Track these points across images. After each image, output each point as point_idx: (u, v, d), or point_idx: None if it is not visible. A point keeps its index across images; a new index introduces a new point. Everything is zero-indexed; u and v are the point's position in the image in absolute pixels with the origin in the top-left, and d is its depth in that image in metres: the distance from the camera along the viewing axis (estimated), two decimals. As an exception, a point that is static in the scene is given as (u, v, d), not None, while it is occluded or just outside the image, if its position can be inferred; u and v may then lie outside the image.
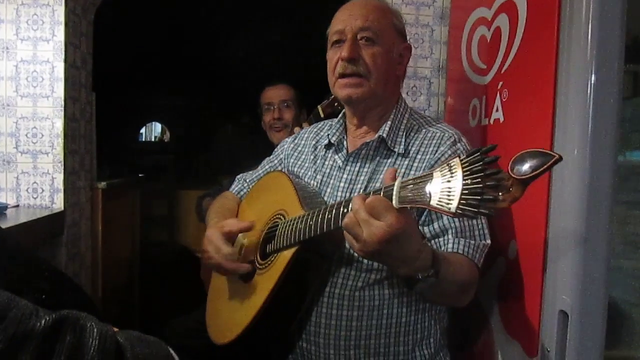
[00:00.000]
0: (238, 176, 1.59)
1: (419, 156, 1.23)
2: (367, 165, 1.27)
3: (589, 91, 1.02)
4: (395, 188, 0.87)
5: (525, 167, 0.73)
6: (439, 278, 1.00)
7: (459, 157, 0.79)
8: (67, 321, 0.47)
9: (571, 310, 1.03)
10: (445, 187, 0.77)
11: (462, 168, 0.77)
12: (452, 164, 0.79)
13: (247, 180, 1.54)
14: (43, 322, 0.46)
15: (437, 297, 1.14)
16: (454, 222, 1.16)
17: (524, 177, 0.73)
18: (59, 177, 1.92)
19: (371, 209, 0.89)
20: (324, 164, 1.35)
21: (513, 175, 0.74)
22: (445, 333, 1.28)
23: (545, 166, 0.72)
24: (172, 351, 0.56)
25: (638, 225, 1.29)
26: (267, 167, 1.51)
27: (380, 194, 0.90)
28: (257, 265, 1.22)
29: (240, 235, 1.23)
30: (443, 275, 1.01)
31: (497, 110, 1.39)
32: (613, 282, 1.15)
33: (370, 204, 0.89)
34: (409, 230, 0.91)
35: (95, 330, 0.48)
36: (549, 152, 0.74)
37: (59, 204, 1.92)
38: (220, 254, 1.21)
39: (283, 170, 1.44)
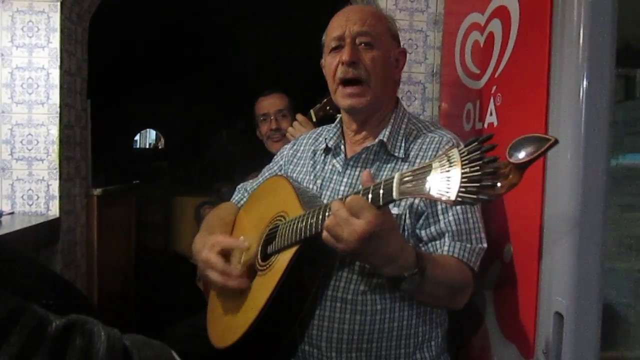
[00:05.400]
0: (239, 186, 1.58)
1: (418, 160, 1.24)
2: (367, 169, 1.27)
3: (581, 95, 1.03)
4: (395, 180, 0.88)
5: (522, 152, 0.75)
6: (425, 277, 1.01)
7: (457, 148, 0.80)
8: (77, 325, 0.48)
9: (566, 311, 1.04)
10: (444, 177, 0.79)
11: (461, 157, 0.78)
12: (450, 155, 0.80)
13: (248, 189, 1.53)
14: (54, 325, 0.46)
15: (427, 298, 1.13)
16: (451, 225, 1.16)
17: (521, 162, 0.74)
18: (55, 184, 1.92)
19: (350, 208, 0.93)
20: (323, 168, 1.35)
21: (511, 161, 0.75)
22: (445, 336, 1.29)
23: (542, 150, 0.74)
24: (175, 355, 0.57)
25: (631, 228, 1.31)
26: (266, 174, 1.51)
27: (380, 187, 0.91)
28: (258, 267, 1.22)
29: (241, 237, 1.24)
30: (429, 274, 1.02)
31: (491, 114, 1.40)
32: (608, 284, 1.16)
33: (349, 204, 0.93)
34: (388, 228, 0.95)
35: (102, 333, 0.49)
36: (544, 136, 0.75)
37: (54, 211, 1.92)
38: (224, 276, 1.18)
39: (282, 174, 1.44)
